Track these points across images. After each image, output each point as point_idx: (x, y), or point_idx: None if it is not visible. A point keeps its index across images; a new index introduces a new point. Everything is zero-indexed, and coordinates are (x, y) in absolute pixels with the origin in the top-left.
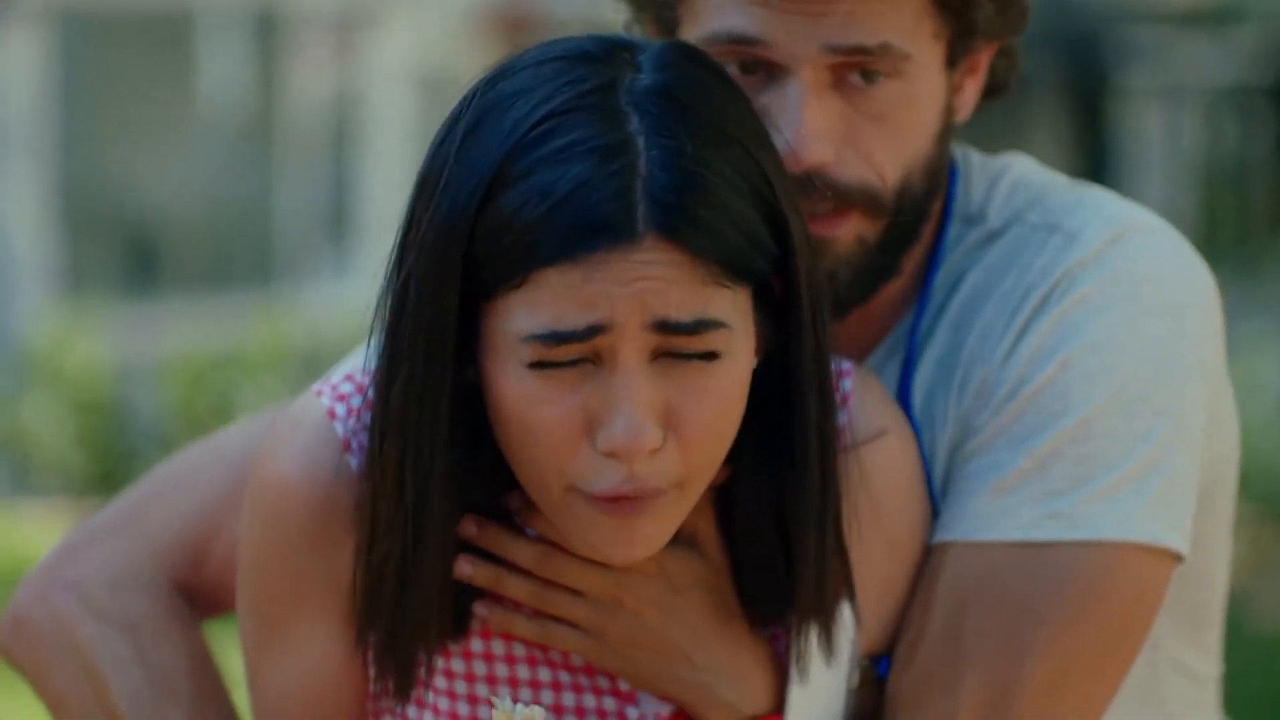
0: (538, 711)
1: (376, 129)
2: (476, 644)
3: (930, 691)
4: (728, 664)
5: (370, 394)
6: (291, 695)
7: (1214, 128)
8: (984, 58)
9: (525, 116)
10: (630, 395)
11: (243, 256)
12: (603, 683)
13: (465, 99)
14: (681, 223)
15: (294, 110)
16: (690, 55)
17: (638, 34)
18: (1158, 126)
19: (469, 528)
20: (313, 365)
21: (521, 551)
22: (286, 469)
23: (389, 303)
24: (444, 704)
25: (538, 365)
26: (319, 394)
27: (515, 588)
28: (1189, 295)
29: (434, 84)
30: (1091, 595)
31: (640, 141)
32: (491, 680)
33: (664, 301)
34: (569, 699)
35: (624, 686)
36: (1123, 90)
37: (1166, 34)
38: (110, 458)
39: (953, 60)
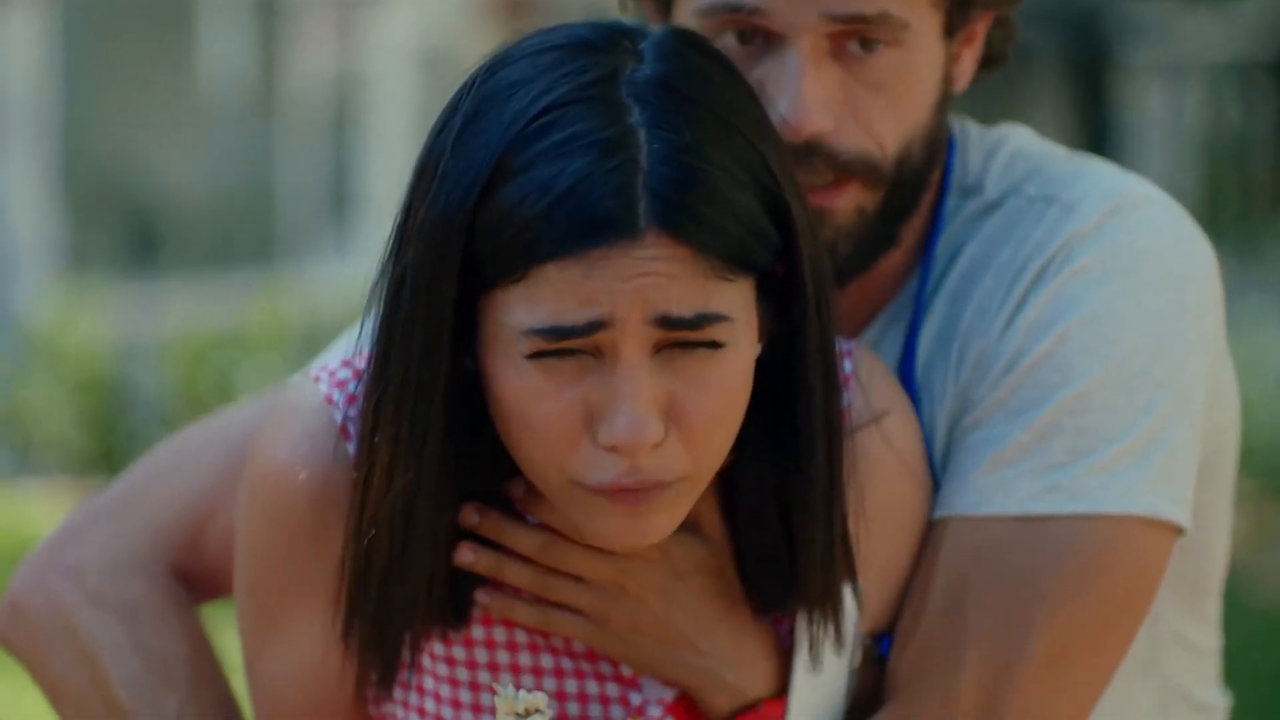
0: (540, 698)
1: (378, 108)
2: (477, 631)
3: (931, 668)
4: (731, 649)
5: (364, 382)
6: (290, 682)
7: (1216, 104)
8: (981, 27)
9: (525, 108)
10: (632, 390)
11: (244, 235)
12: (605, 669)
13: (464, 87)
14: (683, 218)
15: (295, 89)
16: (691, 42)
17: (633, 8)
18: (1160, 103)
19: (470, 516)
20: (314, 344)
21: (524, 539)
22: (284, 455)
23: (385, 291)
24: (445, 691)
25: (538, 356)
26: (316, 380)
27: (517, 574)
28: (1189, 267)
29: (435, 63)
30: (1092, 569)
31: (641, 135)
32: (493, 667)
33: (665, 297)
34: (571, 685)
35: (626, 672)
36: (1125, 66)
37: (1168, 10)
38: (111, 436)
39: (951, 29)
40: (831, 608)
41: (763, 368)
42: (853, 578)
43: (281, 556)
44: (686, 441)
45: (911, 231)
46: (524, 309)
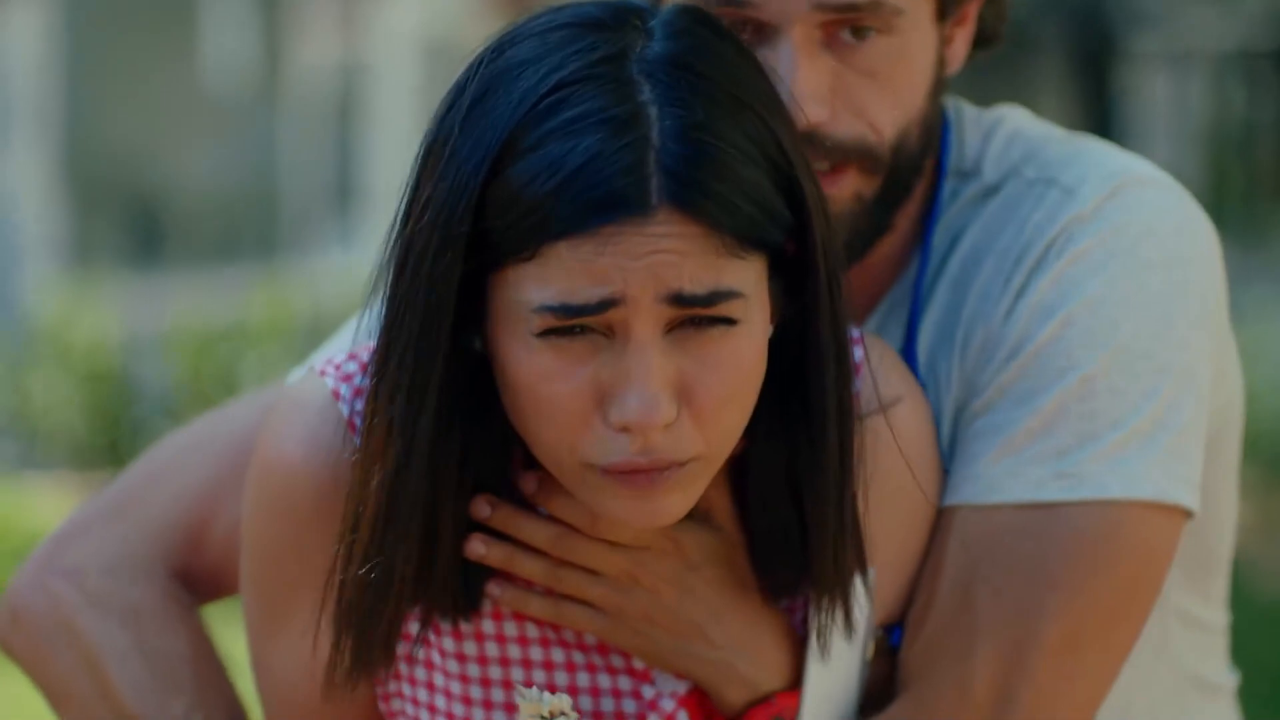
0: (565, 700)
1: (382, 98)
2: (488, 626)
3: (944, 658)
4: (745, 641)
5: (370, 364)
6: (297, 679)
7: (1220, 93)
8: (973, 9)
9: (534, 86)
10: (643, 369)
11: (248, 227)
12: (617, 662)
13: (472, 65)
14: (695, 195)
15: (299, 80)
16: (701, 19)
17: None
18: (1164, 92)
19: (482, 508)
20: (318, 335)
21: (536, 531)
22: (291, 450)
23: (390, 271)
24: (456, 687)
25: (548, 334)
26: (322, 374)
27: (529, 567)
28: (1190, 247)
29: (439, 52)
30: (1102, 555)
31: (652, 112)
32: (504, 662)
33: (678, 274)
34: (583, 679)
35: (638, 665)
36: (1129, 55)
37: None
38: (117, 429)
39: (943, 13)
40: (842, 593)
41: (775, 351)
42: (863, 563)
43: (288, 551)
44: (698, 421)
45: (907, 217)
46: (535, 286)
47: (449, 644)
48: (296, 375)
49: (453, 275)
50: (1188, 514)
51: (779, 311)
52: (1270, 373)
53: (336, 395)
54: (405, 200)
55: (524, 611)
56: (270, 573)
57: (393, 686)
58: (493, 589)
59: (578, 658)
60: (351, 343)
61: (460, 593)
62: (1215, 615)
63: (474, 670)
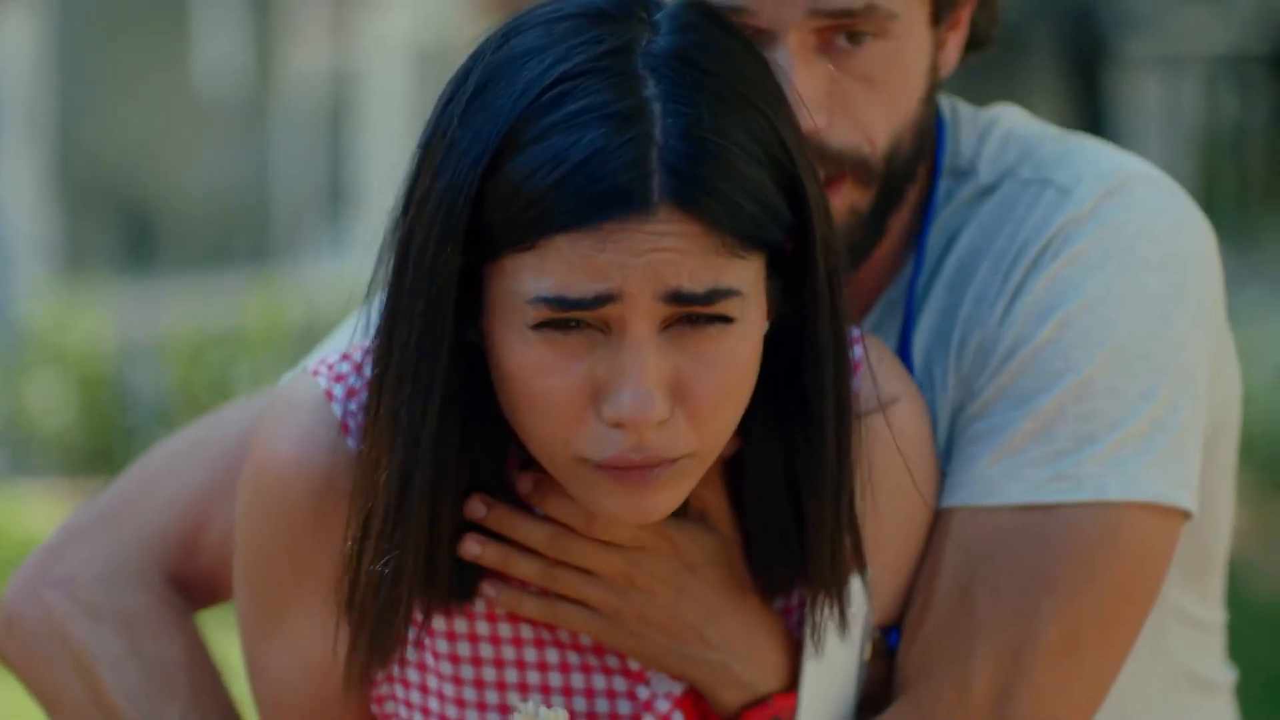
0: (561, 715)
1: (374, 104)
2: (482, 627)
3: (941, 660)
4: (741, 642)
5: (371, 358)
6: (292, 678)
7: (1212, 96)
8: (966, 12)
9: (537, 78)
10: (638, 366)
11: (241, 233)
12: (612, 663)
13: (474, 55)
14: (697, 193)
15: (291, 86)
16: (707, 14)
17: None
18: (1156, 95)
19: (477, 508)
20: (311, 341)
21: (531, 531)
22: (284, 451)
23: (390, 264)
24: (449, 689)
25: (543, 326)
26: (315, 374)
27: (524, 567)
28: (1187, 246)
29: (431, 59)
30: (1100, 557)
31: (656, 108)
32: (499, 664)
33: (677, 273)
34: (578, 680)
35: (634, 666)
36: (1121, 58)
37: (1165, 2)
38: (109, 435)
39: (938, 17)
40: (838, 590)
41: (772, 349)
42: (861, 562)
43: (282, 552)
44: (692, 419)
45: (902, 218)
46: (532, 277)
47: (443, 645)
48: (289, 376)
49: (453, 267)
50: (1186, 515)
51: (775, 309)
52: (1264, 375)
53: (330, 395)
54: (405, 190)
55: (519, 612)
56: (264, 574)
57: (385, 689)
58: (488, 589)
59: (572, 659)
60: (346, 344)
61: (455, 592)
62: (1212, 613)
63: (468, 672)
